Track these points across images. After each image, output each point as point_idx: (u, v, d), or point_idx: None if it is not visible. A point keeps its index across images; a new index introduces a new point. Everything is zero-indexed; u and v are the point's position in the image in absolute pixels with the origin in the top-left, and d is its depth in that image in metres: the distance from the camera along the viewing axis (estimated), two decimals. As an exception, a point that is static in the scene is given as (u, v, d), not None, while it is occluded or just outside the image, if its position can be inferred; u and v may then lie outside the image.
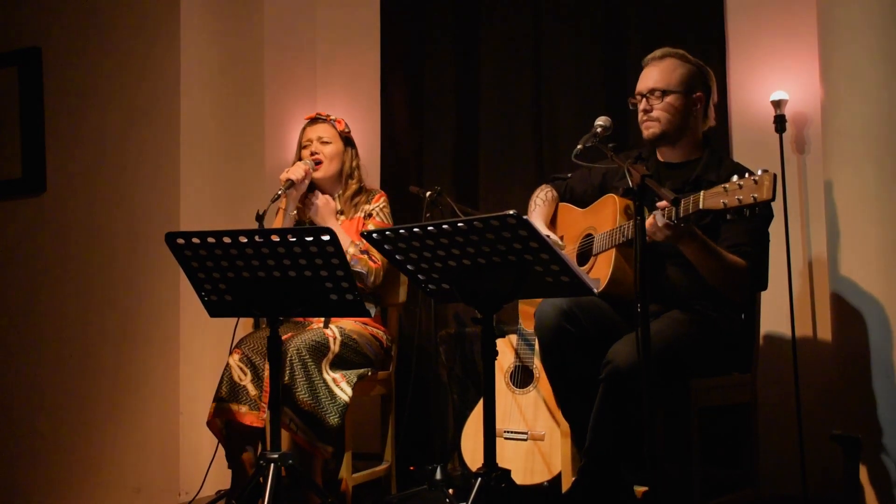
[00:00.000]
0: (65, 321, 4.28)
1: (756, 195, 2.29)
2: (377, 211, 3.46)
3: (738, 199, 2.31)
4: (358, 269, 3.28)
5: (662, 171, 2.94)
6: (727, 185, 2.34)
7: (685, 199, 2.44)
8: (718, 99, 3.58)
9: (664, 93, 2.85)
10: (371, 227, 3.38)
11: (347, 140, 3.55)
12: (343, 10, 4.44)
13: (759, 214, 2.66)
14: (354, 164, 3.53)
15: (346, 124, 3.57)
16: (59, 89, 4.38)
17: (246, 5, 4.15)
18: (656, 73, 2.88)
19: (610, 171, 3.05)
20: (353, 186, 3.50)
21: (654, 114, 2.86)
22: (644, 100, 2.88)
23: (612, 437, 2.65)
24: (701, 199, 2.40)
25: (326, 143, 3.49)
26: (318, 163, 3.45)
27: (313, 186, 3.51)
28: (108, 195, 4.22)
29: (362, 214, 3.45)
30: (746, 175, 2.33)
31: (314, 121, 3.55)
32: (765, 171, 2.29)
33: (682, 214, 2.45)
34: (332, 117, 3.55)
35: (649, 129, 2.89)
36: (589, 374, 2.68)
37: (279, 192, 3.29)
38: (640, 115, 2.90)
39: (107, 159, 4.23)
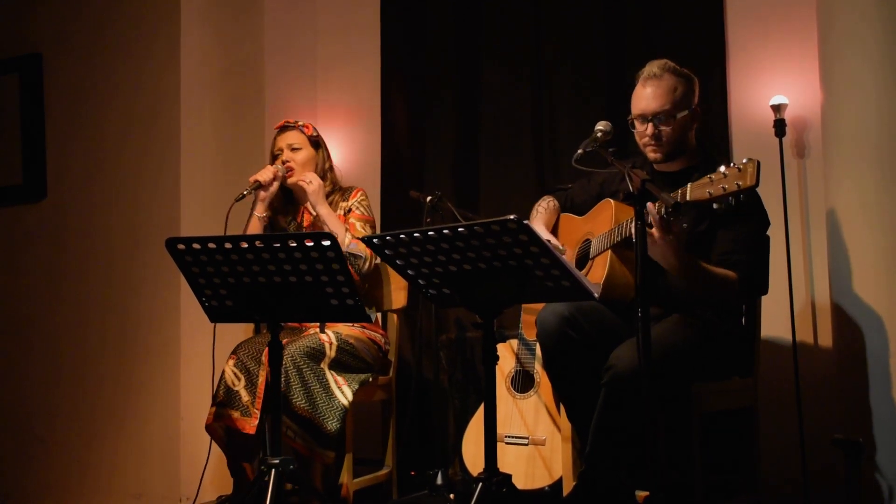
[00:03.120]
0: (65, 327, 4.28)
1: (740, 182, 2.28)
2: (356, 204, 3.44)
3: (723, 187, 2.30)
4: (357, 251, 3.28)
5: (660, 181, 2.91)
6: (713, 176, 2.34)
7: (673, 193, 2.43)
8: (718, 103, 3.62)
9: (674, 116, 2.76)
10: (353, 220, 3.39)
11: (316, 143, 3.53)
12: (343, 15, 4.45)
13: (751, 221, 2.67)
14: (327, 165, 3.52)
15: (314, 128, 3.54)
16: (60, 96, 4.39)
17: (246, 11, 4.16)
18: (661, 95, 2.76)
19: (608, 179, 3.04)
20: (327, 188, 3.48)
21: (664, 138, 2.78)
22: (650, 124, 2.78)
23: (612, 441, 2.65)
24: (688, 191, 2.40)
25: (297, 149, 3.47)
26: (289, 170, 3.43)
27: (290, 194, 3.52)
28: (108, 201, 4.23)
29: (342, 212, 3.44)
30: (731, 164, 2.32)
31: (284, 128, 3.52)
32: (749, 159, 2.28)
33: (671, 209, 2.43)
34: (300, 123, 3.52)
35: (656, 153, 2.81)
36: (592, 378, 2.68)
37: (244, 193, 3.32)
38: (645, 138, 2.80)
39: (107, 166, 4.24)
